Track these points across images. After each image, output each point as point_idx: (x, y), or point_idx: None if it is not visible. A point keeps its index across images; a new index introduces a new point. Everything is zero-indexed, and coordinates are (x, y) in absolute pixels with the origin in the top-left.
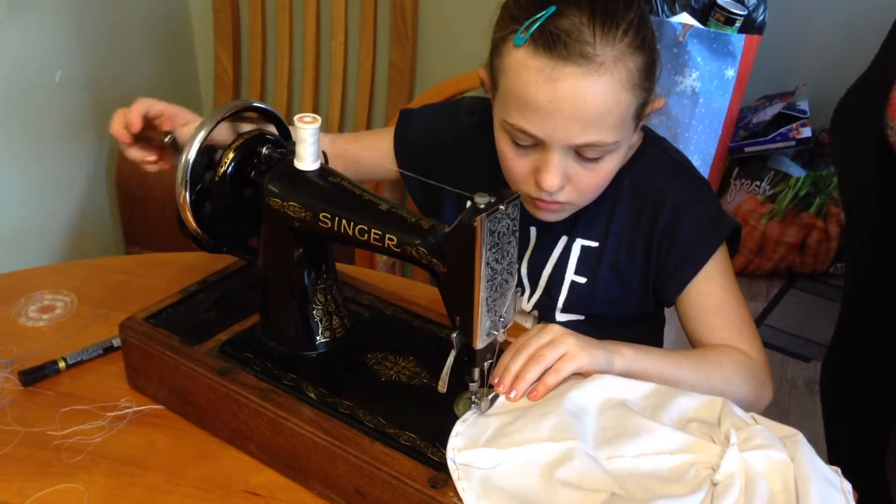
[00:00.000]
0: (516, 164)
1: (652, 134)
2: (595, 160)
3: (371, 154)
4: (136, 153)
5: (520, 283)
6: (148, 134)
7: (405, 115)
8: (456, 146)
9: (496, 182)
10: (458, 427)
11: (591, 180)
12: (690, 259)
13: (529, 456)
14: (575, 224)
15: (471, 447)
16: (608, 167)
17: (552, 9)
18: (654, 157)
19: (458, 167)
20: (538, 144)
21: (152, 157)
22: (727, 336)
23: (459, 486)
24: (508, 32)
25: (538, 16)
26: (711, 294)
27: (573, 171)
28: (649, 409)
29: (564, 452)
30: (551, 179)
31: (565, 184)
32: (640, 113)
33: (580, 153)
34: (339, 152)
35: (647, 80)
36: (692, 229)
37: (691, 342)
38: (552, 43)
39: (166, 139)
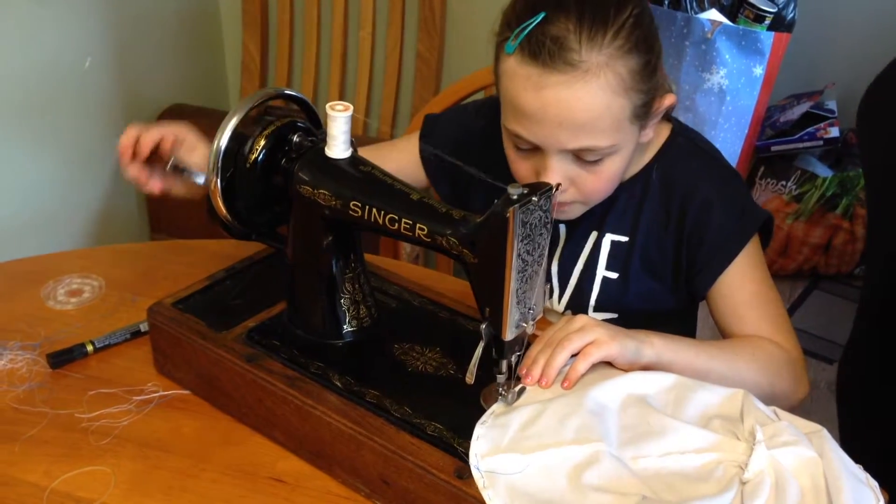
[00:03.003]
0: (519, 165)
1: (680, 125)
2: (595, 162)
3: (396, 164)
4: (133, 172)
5: (550, 286)
6: (152, 158)
7: (430, 119)
8: (475, 149)
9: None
10: (478, 429)
11: (595, 182)
12: (722, 251)
13: (555, 460)
14: (604, 219)
15: (493, 452)
16: (611, 168)
17: (541, 15)
18: (683, 149)
19: (485, 170)
20: (537, 148)
21: (144, 180)
22: (760, 328)
23: (486, 494)
24: (502, 39)
25: (527, 23)
26: (743, 286)
27: (574, 173)
28: (670, 405)
29: (590, 455)
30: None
31: (568, 186)
32: (641, 114)
33: (579, 156)
34: None
35: (643, 81)
36: (723, 221)
37: (723, 336)
38: (538, 51)
39: (168, 165)
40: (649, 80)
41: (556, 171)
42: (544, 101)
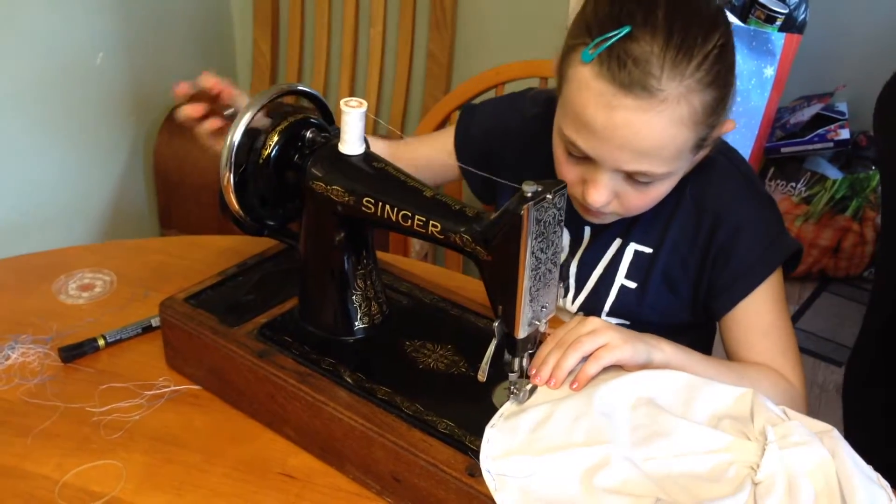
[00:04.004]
0: (567, 169)
1: (723, 144)
2: (645, 183)
3: (433, 154)
4: (191, 110)
5: (566, 285)
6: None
7: (468, 109)
8: (518, 136)
9: (554, 176)
10: (488, 432)
11: (639, 200)
12: (745, 278)
13: (566, 462)
14: (630, 228)
15: (504, 455)
16: (659, 190)
17: (626, 29)
18: (722, 170)
19: (519, 158)
20: (590, 158)
21: (203, 113)
22: (770, 359)
23: (497, 497)
24: (579, 43)
25: (609, 35)
26: (760, 316)
27: (622, 189)
28: (680, 405)
29: (602, 457)
30: (596, 196)
31: (612, 199)
32: (702, 144)
33: (631, 175)
34: (403, 160)
35: (713, 115)
36: (751, 248)
37: (729, 360)
38: (617, 69)
39: (226, 112)
40: (719, 114)
41: (605, 187)
42: (613, 122)
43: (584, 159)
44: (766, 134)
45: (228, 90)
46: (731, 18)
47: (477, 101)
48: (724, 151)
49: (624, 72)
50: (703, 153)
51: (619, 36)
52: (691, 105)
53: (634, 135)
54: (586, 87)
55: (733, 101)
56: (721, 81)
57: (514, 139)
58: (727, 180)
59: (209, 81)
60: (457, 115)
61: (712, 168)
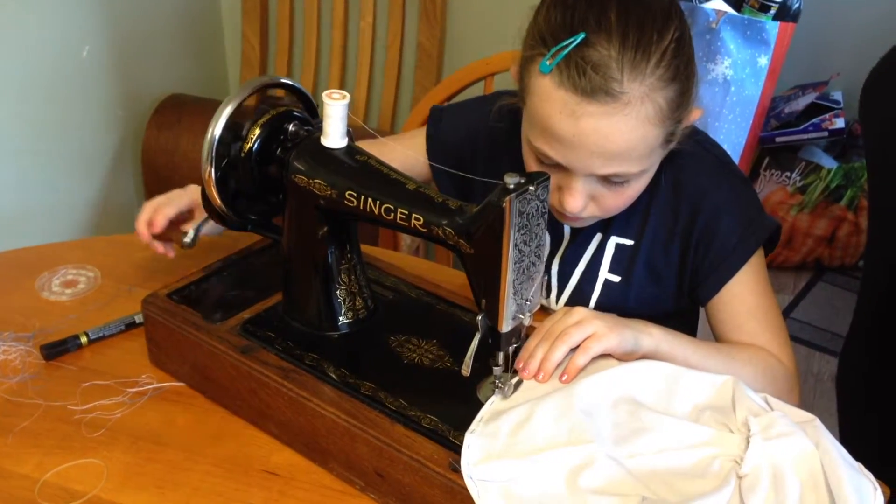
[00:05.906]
0: None
1: (692, 129)
2: (620, 183)
3: (401, 158)
4: (156, 247)
5: (548, 284)
6: (167, 233)
7: (436, 112)
8: (487, 144)
9: None
10: (468, 438)
11: (616, 201)
12: (728, 260)
13: (550, 463)
14: (610, 221)
15: (486, 459)
16: (634, 188)
17: (581, 36)
18: (694, 155)
19: (488, 166)
20: (562, 165)
21: (170, 254)
22: (759, 338)
23: (480, 503)
24: (536, 54)
25: (565, 43)
26: (746, 297)
27: (598, 192)
28: (662, 400)
29: (585, 457)
30: (573, 203)
31: (588, 203)
32: (671, 138)
33: (605, 177)
34: None
35: (679, 109)
36: (731, 229)
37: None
38: (577, 77)
39: (185, 239)
40: (685, 107)
41: (581, 192)
42: (580, 130)
43: (557, 167)
44: (760, 123)
45: (180, 221)
46: (725, 7)
47: (467, 92)
48: (692, 136)
49: (584, 79)
50: (673, 145)
51: (575, 43)
52: (656, 103)
53: (604, 140)
54: (549, 97)
55: (697, 90)
56: (682, 75)
57: (482, 147)
58: (701, 165)
59: (157, 225)
60: None
61: (685, 154)
